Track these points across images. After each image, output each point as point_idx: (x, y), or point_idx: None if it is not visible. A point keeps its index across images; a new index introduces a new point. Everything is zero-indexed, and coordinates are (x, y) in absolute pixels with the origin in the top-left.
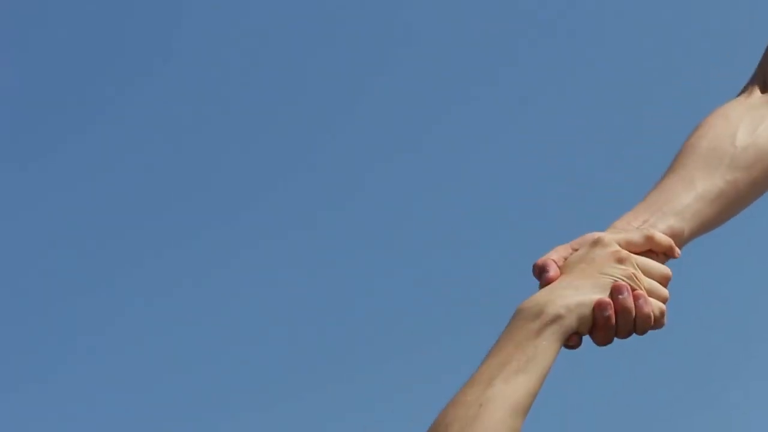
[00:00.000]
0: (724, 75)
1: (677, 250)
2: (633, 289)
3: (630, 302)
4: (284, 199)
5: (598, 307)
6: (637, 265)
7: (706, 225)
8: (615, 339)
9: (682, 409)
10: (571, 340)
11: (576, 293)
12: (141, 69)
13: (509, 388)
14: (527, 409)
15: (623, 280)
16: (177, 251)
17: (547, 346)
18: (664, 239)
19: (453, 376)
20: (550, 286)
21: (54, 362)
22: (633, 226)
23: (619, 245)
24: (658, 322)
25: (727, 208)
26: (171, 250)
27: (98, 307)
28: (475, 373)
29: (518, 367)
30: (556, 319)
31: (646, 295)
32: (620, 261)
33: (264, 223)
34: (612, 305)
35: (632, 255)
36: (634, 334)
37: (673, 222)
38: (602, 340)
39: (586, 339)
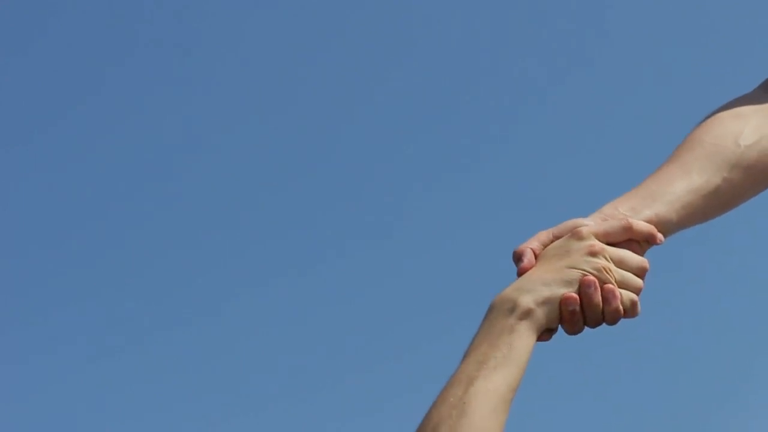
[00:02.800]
0: (732, 67)
1: (659, 236)
2: (603, 283)
3: (597, 297)
4: (285, 200)
5: (564, 302)
6: (611, 257)
7: (697, 217)
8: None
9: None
10: (542, 337)
11: (545, 288)
12: (143, 68)
13: (490, 385)
14: (509, 403)
15: (593, 273)
16: (179, 252)
17: (521, 342)
18: (644, 227)
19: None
20: (521, 278)
21: (54, 362)
22: (620, 212)
23: (597, 236)
24: (629, 313)
25: (720, 204)
26: (173, 251)
27: (99, 307)
28: (455, 373)
29: (496, 364)
30: (528, 314)
31: (615, 289)
32: (593, 254)
33: (265, 224)
34: (578, 300)
35: (606, 247)
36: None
37: (661, 209)
38: (571, 331)
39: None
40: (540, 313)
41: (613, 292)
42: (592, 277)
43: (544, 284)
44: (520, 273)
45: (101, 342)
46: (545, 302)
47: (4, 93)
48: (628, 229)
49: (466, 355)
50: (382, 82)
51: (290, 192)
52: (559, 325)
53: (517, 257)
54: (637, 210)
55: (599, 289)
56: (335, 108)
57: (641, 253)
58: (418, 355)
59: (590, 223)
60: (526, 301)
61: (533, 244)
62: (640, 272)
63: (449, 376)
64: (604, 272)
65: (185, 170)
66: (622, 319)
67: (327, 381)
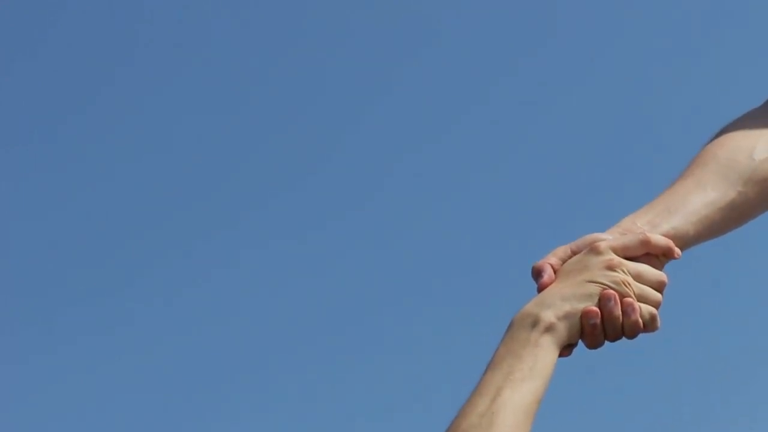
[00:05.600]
0: (740, 79)
1: (677, 251)
2: (622, 296)
3: (617, 310)
4: (285, 201)
5: (585, 316)
6: (630, 271)
7: (713, 231)
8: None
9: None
10: (563, 352)
11: (565, 303)
12: (150, 69)
13: (517, 396)
14: (534, 414)
15: (612, 287)
16: (179, 252)
17: (545, 355)
18: (661, 241)
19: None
20: (541, 295)
21: (54, 362)
22: (637, 226)
23: (615, 251)
24: (648, 327)
25: (736, 217)
26: (174, 251)
27: (99, 307)
28: (480, 385)
29: (522, 376)
30: (550, 328)
31: (634, 302)
32: (611, 268)
33: (271, 226)
34: (599, 314)
35: (624, 261)
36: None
37: (678, 223)
38: (592, 344)
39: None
40: (561, 328)
41: (632, 305)
42: (611, 291)
43: (564, 299)
44: (540, 289)
45: (101, 342)
46: (566, 316)
47: (3, 93)
48: (646, 243)
49: (490, 367)
50: (391, 83)
51: (290, 193)
52: (580, 340)
53: (537, 273)
54: (655, 224)
55: (619, 302)
56: (338, 110)
57: (659, 268)
58: (419, 356)
59: (608, 238)
60: (548, 315)
61: (552, 259)
62: (659, 286)
63: (474, 385)
64: (623, 286)
65: (187, 171)
66: (642, 333)
67: (328, 381)
